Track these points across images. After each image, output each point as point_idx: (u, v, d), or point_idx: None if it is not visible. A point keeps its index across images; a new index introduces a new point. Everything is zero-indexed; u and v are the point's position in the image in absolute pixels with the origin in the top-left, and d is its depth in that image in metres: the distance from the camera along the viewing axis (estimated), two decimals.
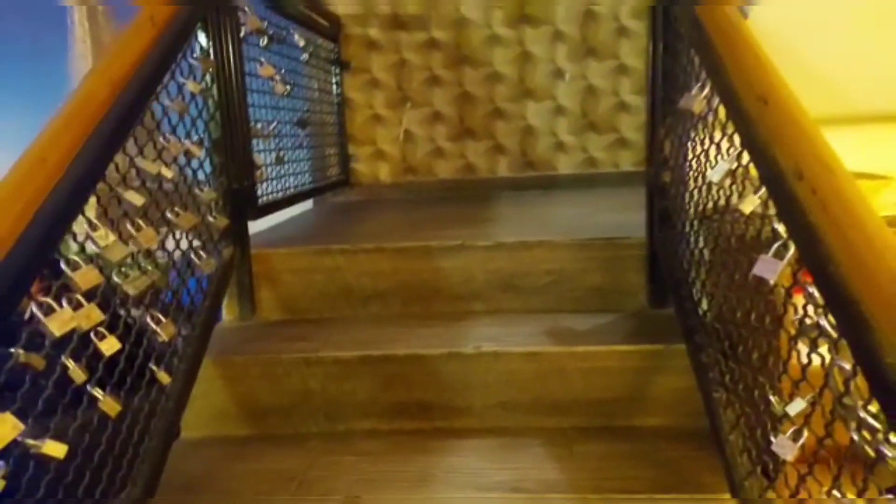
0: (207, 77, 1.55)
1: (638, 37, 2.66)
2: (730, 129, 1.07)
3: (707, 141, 1.21)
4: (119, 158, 1.14)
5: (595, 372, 1.43)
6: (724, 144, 1.11)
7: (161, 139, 1.33)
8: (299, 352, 1.48)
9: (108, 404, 1.00)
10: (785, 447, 0.91)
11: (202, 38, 1.54)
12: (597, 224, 1.88)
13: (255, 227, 1.84)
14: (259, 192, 1.81)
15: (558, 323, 1.59)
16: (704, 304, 1.30)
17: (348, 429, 1.47)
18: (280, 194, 2.04)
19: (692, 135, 1.31)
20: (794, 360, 0.95)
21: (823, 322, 0.84)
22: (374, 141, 2.86)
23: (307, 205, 2.58)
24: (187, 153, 1.42)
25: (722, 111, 1.10)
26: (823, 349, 0.85)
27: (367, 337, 1.57)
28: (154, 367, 1.17)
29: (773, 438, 0.96)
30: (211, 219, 1.52)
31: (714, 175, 1.10)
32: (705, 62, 1.15)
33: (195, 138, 1.47)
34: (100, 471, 0.99)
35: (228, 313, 1.71)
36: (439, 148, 2.84)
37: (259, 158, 1.81)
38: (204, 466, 1.37)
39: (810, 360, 0.88)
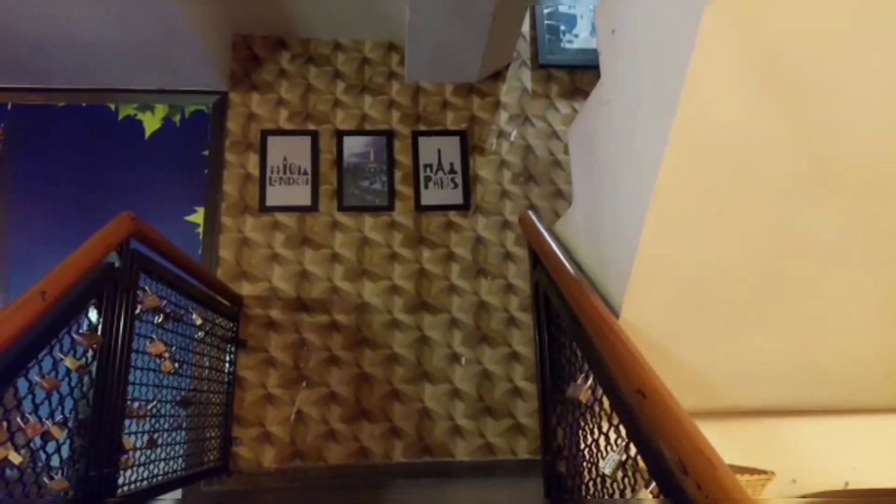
0: (90, 353, 1.47)
1: (527, 327, 2.88)
2: (616, 420, 1.11)
3: (596, 430, 1.24)
4: None
5: None
6: (612, 435, 1.14)
7: (18, 419, 1.20)
8: None
9: None
10: None
11: (93, 313, 1.50)
12: None
13: None
14: (121, 481, 1.60)
15: None
16: None
17: None
18: (145, 483, 1.81)
19: (582, 423, 1.34)
20: None
21: None
22: (261, 422, 2.71)
23: (175, 495, 2.30)
24: (45, 435, 1.27)
25: (607, 404, 1.16)
26: None
27: None
28: None
29: None
30: None
31: (606, 467, 1.10)
32: (586, 355, 1.24)
33: (59, 418, 1.34)
34: None
35: None
36: (332, 430, 2.73)
37: (128, 441, 1.65)
38: None
39: None
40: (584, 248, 1.61)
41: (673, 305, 1.37)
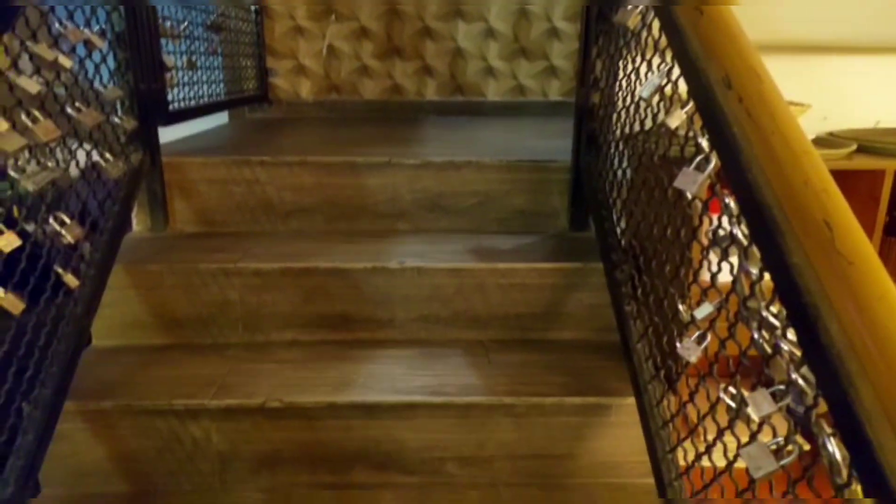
0: None
1: None
2: (662, 45, 1.08)
3: (638, 59, 1.22)
4: (7, 39, 1.02)
5: (514, 288, 1.47)
6: (656, 61, 1.12)
7: (57, 24, 1.20)
8: (217, 262, 1.42)
9: (10, 302, 0.92)
10: (690, 350, 0.98)
11: None
12: (524, 148, 1.89)
13: (167, 136, 1.73)
14: (170, 98, 1.68)
15: (482, 242, 1.61)
16: (623, 224, 1.35)
17: (268, 339, 1.45)
18: (192, 102, 1.90)
19: (624, 53, 1.32)
20: (703, 270, 1.01)
21: (736, 231, 0.88)
22: (294, 55, 2.71)
23: (222, 119, 2.45)
24: (88, 43, 1.29)
25: (655, 29, 1.11)
26: (733, 259, 0.90)
27: (288, 250, 1.53)
28: (60, 270, 1.09)
29: (678, 343, 1.02)
30: (117, 119, 1.41)
31: (644, 91, 1.11)
32: None
33: (96, 29, 1.34)
34: (5, 370, 0.94)
35: (139, 223, 1.62)
36: (365, 66, 2.73)
37: (169, 60, 1.68)
38: (119, 372, 1.32)
39: (720, 268, 0.94)
40: None
41: None
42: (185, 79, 1.86)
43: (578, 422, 1.26)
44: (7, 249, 0.93)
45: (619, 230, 1.35)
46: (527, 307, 1.47)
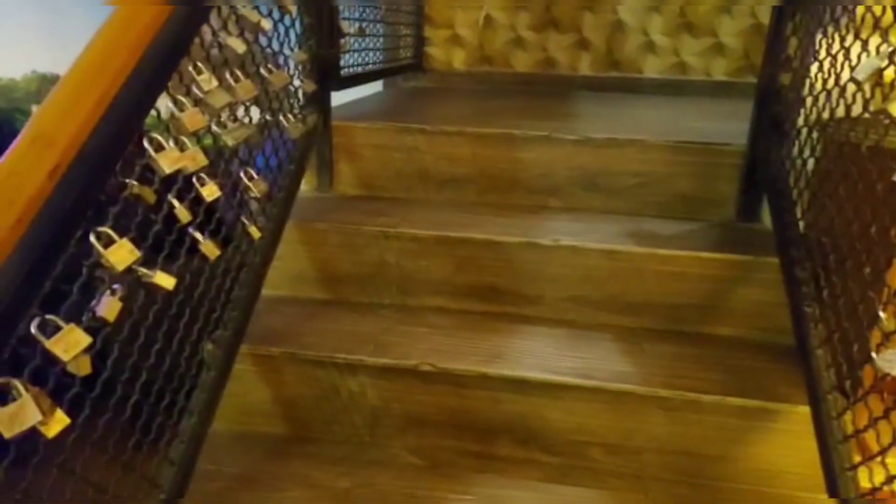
0: None
1: None
2: (886, 22, 0.96)
3: (850, 38, 1.10)
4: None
5: (674, 276, 1.40)
6: (875, 40, 1.00)
7: None
8: (378, 225, 1.48)
9: (209, 248, 1.01)
10: (893, 362, 0.88)
11: None
12: (686, 129, 1.78)
13: (333, 100, 1.80)
14: (341, 64, 1.75)
15: (640, 226, 1.54)
16: (808, 217, 1.24)
17: (420, 303, 1.49)
18: (360, 68, 1.97)
19: (828, 31, 1.19)
20: None
21: None
22: (451, 24, 2.72)
23: (377, 87, 2.52)
24: (282, 7, 1.36)
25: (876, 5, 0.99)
26: None
27: (443, 219, 1.56)
28: (246, 221, 1.18)
29: (874, 354, 0.92)
30: (298, 82, 1.49)
31: (859, 73, 1.00)
32: None
33: None
34: (197, 310, 1.03)
35: (307, 183, 1.71)
36: (520, 37, 2.69)
37: (345, 25, 1.74)
38: (284, 322, 1.42)
39: None
40: None
41: None
42: (355, 45, 1.93)
43: (738, 424, 1.18)
44: (210, 198, 1.02)
45: (802, 223, 1.24)
46: (686, 298, 1.40)
